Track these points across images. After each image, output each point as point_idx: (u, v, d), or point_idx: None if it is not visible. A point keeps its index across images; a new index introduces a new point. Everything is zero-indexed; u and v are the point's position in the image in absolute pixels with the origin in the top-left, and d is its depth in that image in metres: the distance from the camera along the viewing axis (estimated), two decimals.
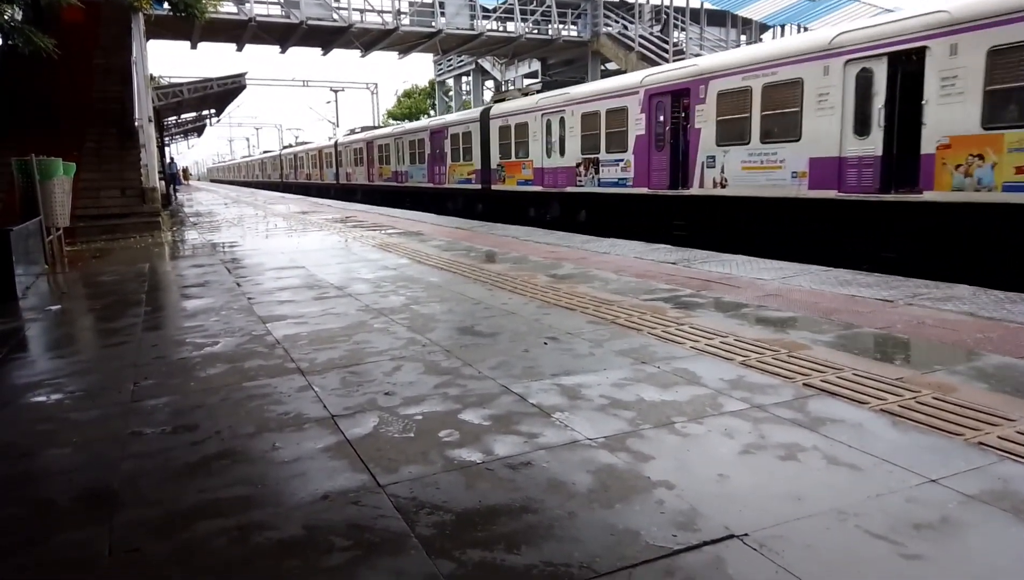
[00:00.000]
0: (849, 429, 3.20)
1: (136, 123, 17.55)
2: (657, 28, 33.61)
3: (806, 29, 25.03)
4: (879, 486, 2.65)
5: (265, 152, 71.66)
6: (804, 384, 3.84)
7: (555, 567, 2.18)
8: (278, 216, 20.82)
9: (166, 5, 16.51)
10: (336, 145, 39.87)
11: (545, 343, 4.89)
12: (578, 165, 17.02)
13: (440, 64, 45.42)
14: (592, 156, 16.49)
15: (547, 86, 22.93)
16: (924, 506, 2.50)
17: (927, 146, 9.43)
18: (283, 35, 31.33)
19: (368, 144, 33.48)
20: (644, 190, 14.89)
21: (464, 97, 45.50)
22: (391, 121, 58.30)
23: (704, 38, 34.30)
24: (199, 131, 59.79)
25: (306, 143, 54.73)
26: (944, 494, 2.58)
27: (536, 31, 33.33)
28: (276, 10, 29.44)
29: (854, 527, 2.36)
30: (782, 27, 32.81)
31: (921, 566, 2.14)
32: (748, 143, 12.22)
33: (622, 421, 3.38)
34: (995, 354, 4.27)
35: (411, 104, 64.33)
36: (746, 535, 2.32)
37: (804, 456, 2.94)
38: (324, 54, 34.44)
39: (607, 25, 32.74)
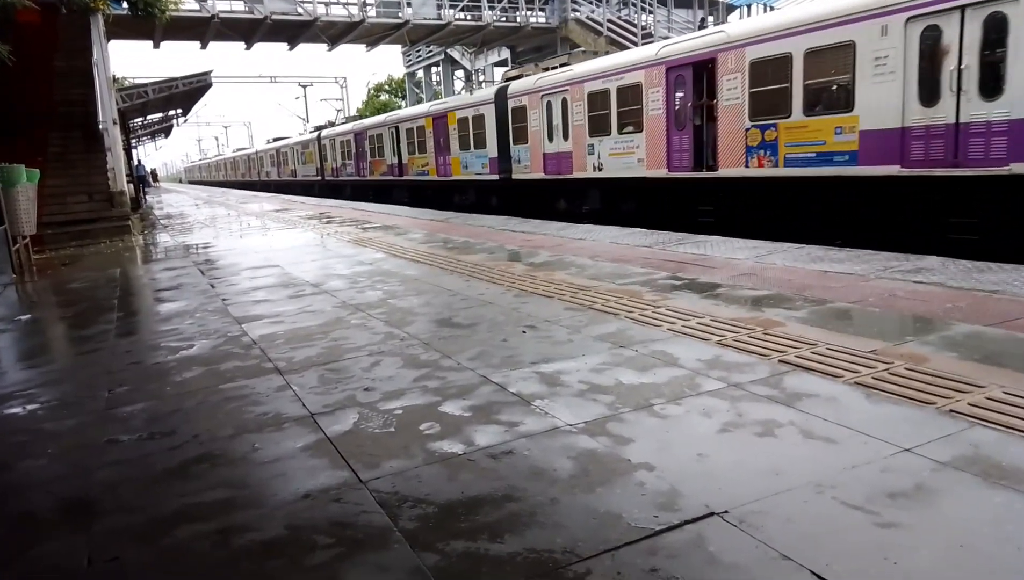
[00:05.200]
0: (824, 403, 3.25)
1: (101, 126, 17.21)
2: (625, 11, 33.60)
3: (772, 8, 25.15)
4: (854, 458, 2.69)
5: (276, 139, 49.32)
6: (780, 361, 3.89)
7: (538, 553, 2.20)
8: (251, 215, 20.58)
9: (125, 5, 16.17)
10: (504, 95, 18.46)
11: (523, 331, 4.90)
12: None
13: (409, 55, 45.08)
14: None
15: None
16: (899, 475, 2.54)
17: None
18: (247, 31, 30.85)
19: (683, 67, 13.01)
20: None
21: (435, 88, 45.21)
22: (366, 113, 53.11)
23: (672, 20, 34.36)
24: (166, 132, 58.36)
25: (352, 120, 35.39)
26: (918, 462, 2.63)
27: (504, 19, 33.16)
28: (239, 5, 28.97)
29: (831, 499, 2.40)
30: (748, 7, 32.97)
31: (897, 534, 2.19)
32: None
33: (601, 406, 3.40)
34: (964, 323, 4.35)
35: (386, 100, 61.26)
36: (726, 512, 2.35)
37: (781, 432, 2.98)
38: (290, 49, 34.01)
39: (575, 10, 32.66)
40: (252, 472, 2.98)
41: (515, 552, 2.21)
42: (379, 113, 38.11)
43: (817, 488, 2.48)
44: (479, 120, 19.88)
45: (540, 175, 17.39)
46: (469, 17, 32.99)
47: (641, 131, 13.83)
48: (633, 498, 2.50)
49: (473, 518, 2.44)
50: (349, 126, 32.55)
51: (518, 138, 18.21)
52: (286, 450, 3.15)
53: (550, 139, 16.80)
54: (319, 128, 38.63)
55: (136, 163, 33.08)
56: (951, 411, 3.06)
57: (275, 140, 49.08)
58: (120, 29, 22.42)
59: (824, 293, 5.42)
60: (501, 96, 18.76)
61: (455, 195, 22.21)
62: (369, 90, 66.43)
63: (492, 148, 19.32)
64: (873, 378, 3.52)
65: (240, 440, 3.32)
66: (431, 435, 3.18)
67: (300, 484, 2.80)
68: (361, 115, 45.69)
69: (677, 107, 13.03)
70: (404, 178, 25.77)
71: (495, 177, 19.38)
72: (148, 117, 40.36)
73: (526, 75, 18.66)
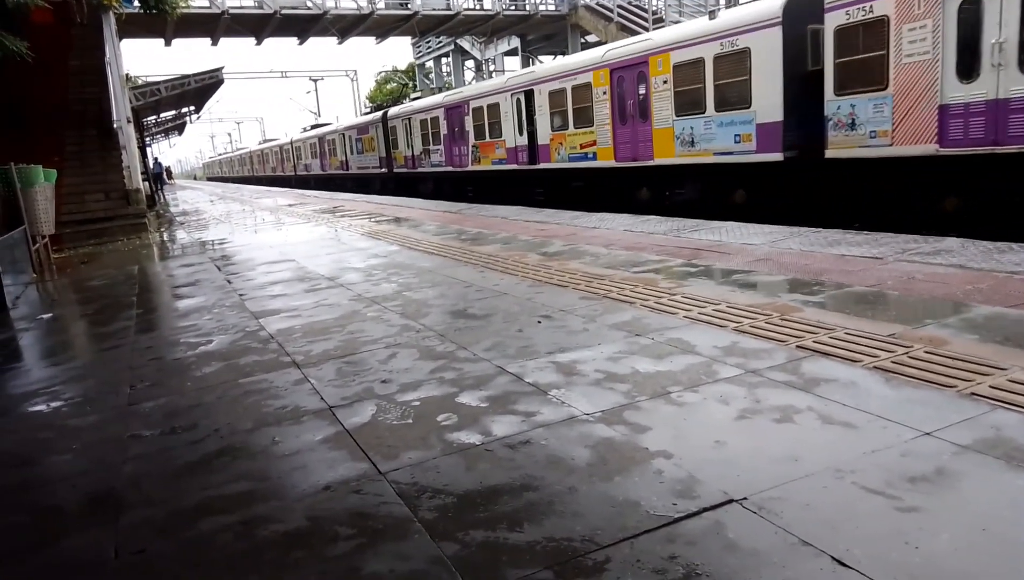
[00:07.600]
0: (843, 388, 3.23)
1: (115, 124, 17.35)
2: None
3: None
4: (874, 442, 2.68)
5: (315, 126, 41.52)
6: (797, 346, 3.86)
7: (557, 542, 2.21)
8: (265, 210, 20.70)
9: (136, 3, 16.25)
10: (805, 9, 10.57)
11: (539, 322, 4.90)
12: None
13: (419, 46, 44.99)
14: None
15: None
16: (919, 459, 2.52)
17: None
18: (258, 26, 30.94)
19: None
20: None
21: (445, 78, 45.09)
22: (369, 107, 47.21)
23: (683, 5, 33.98)
24: (180, 129, 58.56)
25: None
26: (938, 446, 2.61)
27: (514, 7, 33.00)
28: (249, 0, 29.05)
29: (851, 484, 2.39)
30: None
31: (918, 518, 2.17)
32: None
33: (618, 394, 3.39)
34: (985, 305, 4.30)
35: (394, 89, 60.82)
36: (745, 499, 2.35)
37: (799, 417, 2.97)
38: (300, 43, 34.07)
39: None
40: (272, 465, 3.01)
41: (534, 541, 2.22)
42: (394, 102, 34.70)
43: (836, 474, 2.47)
44: (733, 61, 11.82)
45: (923, 148, 9.19)
46: (478, 7, 32.86)
47: None
48: (651, 486, 2.50)
49: (492, 508, 2.45)
50: (437, 98, 24.28)
51: (847, 83, 10.02)
52: (305, 443, 3.18)
53: (968, 75, 8.60)
54: (382, 107, 31.32)
55: (153, 162, 33.19)
56: (972, 394, 3.03)
57: (314, 127, 41.94)
58: (132, 27, 22.57)
59: (841, 277, 5.37)
60: (796, 11, 10.80)
61: (644, 188, 14.63)
62: (377, 81, 65.75)
63: (767, 107, 11.32)
64: (892, 362, 3.49)
65: (260, 433, 3.36)
66: (449, 426, 3.20)
67: (320, 476, 2.83)
68: (376, 102, 41.31)
69: None
70: (541, 166, 17.60)
71: (772, 156, 11.37)
72: (161, 115, 40.57)
73: None
